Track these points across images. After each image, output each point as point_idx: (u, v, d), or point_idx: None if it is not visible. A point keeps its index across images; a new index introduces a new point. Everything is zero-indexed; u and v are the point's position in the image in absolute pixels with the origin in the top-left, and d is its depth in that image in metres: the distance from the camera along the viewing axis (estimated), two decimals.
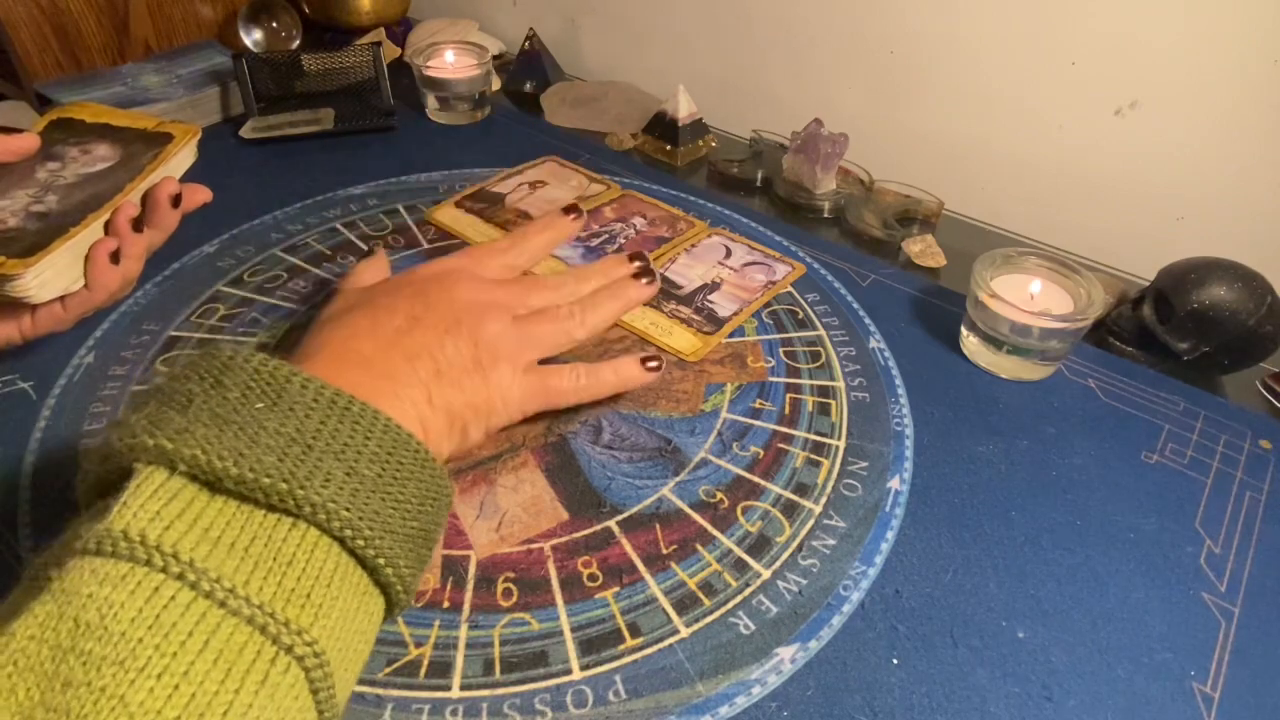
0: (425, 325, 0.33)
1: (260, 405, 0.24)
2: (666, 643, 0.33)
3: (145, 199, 0.40)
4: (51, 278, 0.37)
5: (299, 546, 0.22)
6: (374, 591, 0.24)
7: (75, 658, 0.18)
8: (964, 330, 0.49)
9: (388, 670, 0.31)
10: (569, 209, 0.42)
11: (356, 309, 0.34)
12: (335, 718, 0.22)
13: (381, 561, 0.24)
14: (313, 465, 0.23)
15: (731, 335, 0.49)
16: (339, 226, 0.57)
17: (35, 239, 0.37)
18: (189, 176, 0.43)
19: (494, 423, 0.35)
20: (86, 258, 0.38)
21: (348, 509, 0.23)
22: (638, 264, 0.42)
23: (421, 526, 0.26)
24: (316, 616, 0.21)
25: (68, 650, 0.18)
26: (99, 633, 0.18)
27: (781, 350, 0.48)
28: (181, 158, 0.43)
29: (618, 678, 0.32)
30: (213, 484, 0.22)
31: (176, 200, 0.41)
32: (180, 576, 0.20)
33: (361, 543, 0.23)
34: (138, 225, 0.40)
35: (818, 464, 0.41)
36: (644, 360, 0.40)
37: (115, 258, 0.39)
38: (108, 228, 0.39)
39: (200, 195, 0.42)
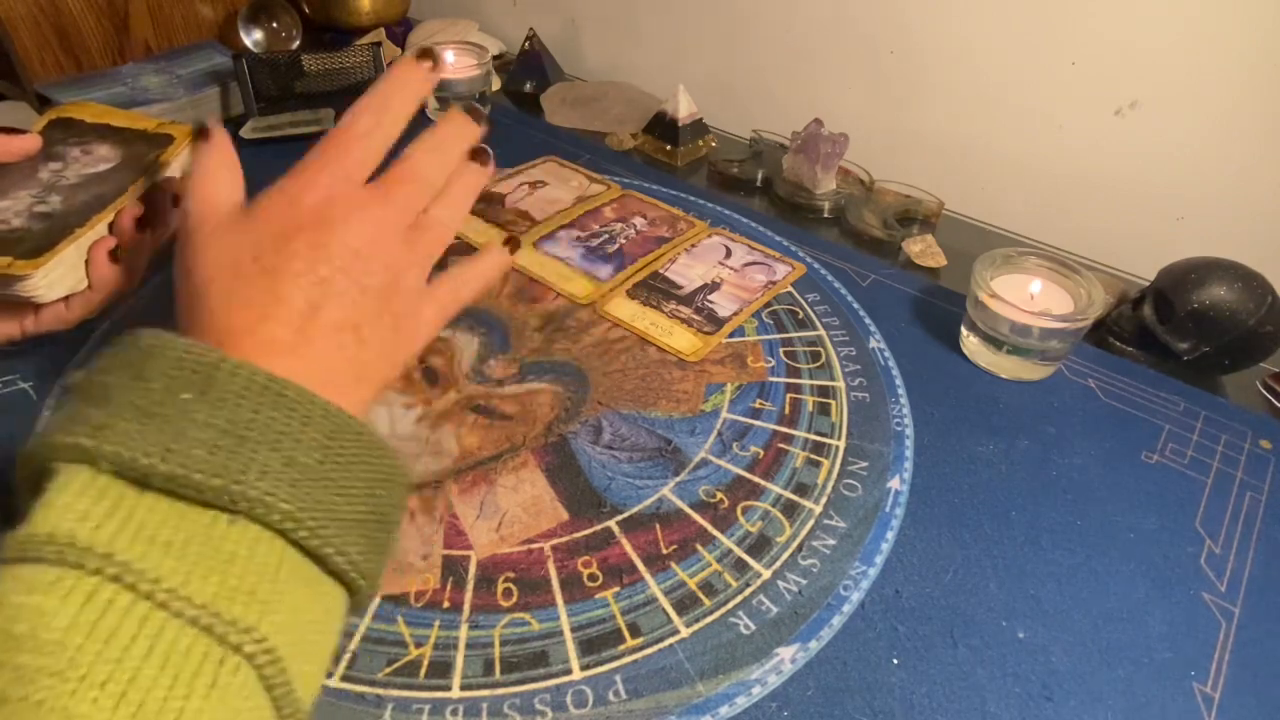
0: (337, 291, 0.28)
1: (187, 396, 0.22)
2: (667, 643, 0.33)
3: (147, 200, 0.40)
4: (59, 277, 0.37)
5: (239, 543, 0.21)
6: (327, 581, 0.24)
7: (10, 673, 0.17)
8: (964, 330, 0.49)
9: (388, 670, 0.31)
10: (422, 54, 0.34)
11: (246, 274, 0.28)
12: (300, 713, 0.21)
13: (329, 550, 0.23)
14: (247, 457, 0.22)
15: (731, 335, 0.49)
16: None
17: (41, 239, 0.37)
18: None
19: (407, 353, 0.31)
20: (88, 258, 0.38)
21: (286, 500, 0.22)
22: (472, 142, 0.35)
23: (373, 510, 0.25)
24: (264, 613, 0.20)
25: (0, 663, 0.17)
26: (30, 644, 0.17)
27: (781, 350, 0.48)
28: (183, 158, 0.43)
29: (618, 678, 0.32)
30: (141, 482, 0.21)
31: (177, 200, 0.41)
32: (117, 579, 0.19)
33: (305, 533, 0.22)
34: (140, 225, 0.40)
35: (818, 464, 0.41)
36: (505, 241, 0.36)
37: (115, 255, 0.39)
38: (111, 228, 0.39)
39: None
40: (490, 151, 0.36)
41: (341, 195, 0.30)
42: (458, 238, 0.56)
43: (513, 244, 0.37)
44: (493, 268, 0.36)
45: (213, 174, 0.31)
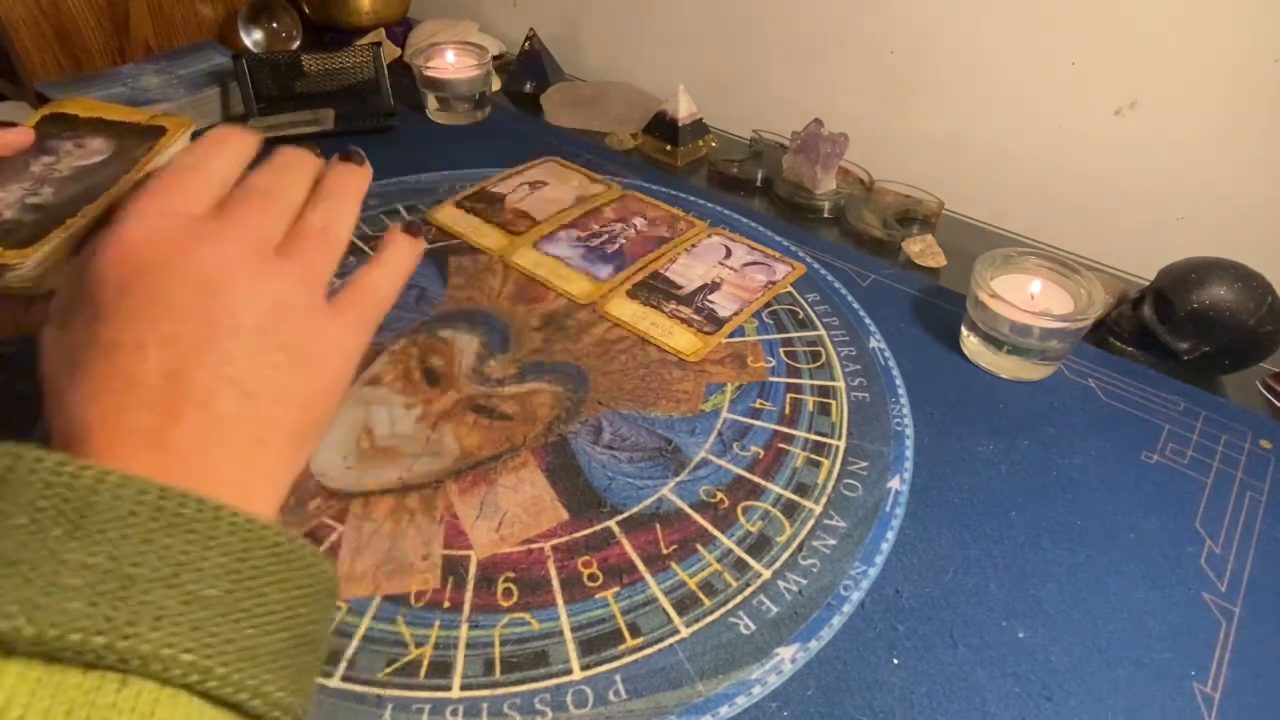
0: (194, 346, 0.23)
1: (58, 532, 0.18)
2: (667, 643, 0.33)
3: None
4: (52, 267, 0.37)
5: (133, 711, 0.17)
6: None
7: None
8: (964, 330, 0.49)
9: (388, 670, 0.31)
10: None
11: (85, 358, 0.23)
12: None
13: (245, 697, 0.19)
14: (136, 602, 0.18)
15: (732, 335, 0.49)
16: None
17: (33, 230, 0.37)
18: None
19: (335, 399, 0.26)
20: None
21: (189, 649, 0.18)
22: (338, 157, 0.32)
23: (295, 635, 0.21)
24: None
25: None
26: None
27: (782, 350, 0.48)
28: (175, 150, 0.43)
29: (618, 678, 0.32)
30: (6, 647, 0.17)
31: None
32: None
33: (215, 683, 0.18)
34: None
35: (818, 464, 0.41)
36: (407, 231, 0.32)
37: None
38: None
39: None
40: (361, 151, 0.31)
41: (175, 230, 0.25)
42: (458, 237, 0.56)
43: (413, 230, 0.32)
44: (404, 259, 0.31)
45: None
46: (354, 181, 0.31)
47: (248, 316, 0.24)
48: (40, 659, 0.17)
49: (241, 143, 0.29)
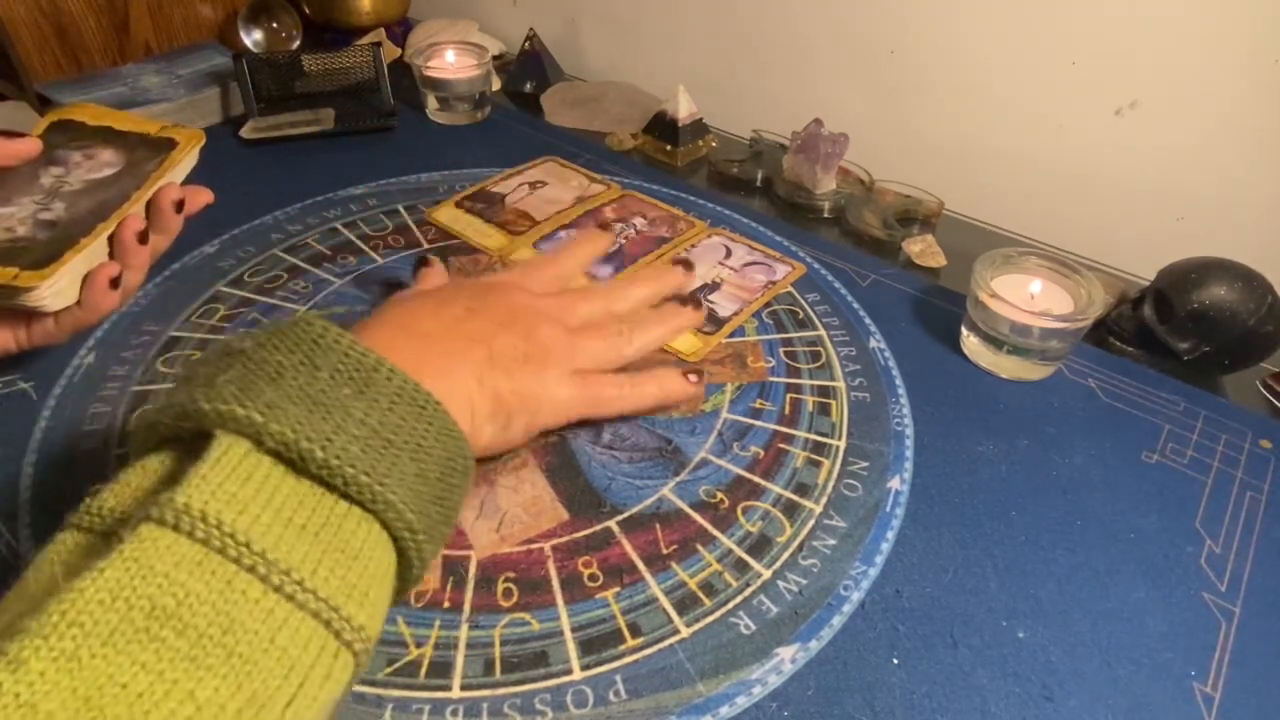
0: (482, 317, 0.34)
1: (347, 391, 0.24)
2: (667, 643, 0.33)
3: (149, 206, 0.40)
4: (65, 287, 0.37)
5: (365, 542, 0.22)
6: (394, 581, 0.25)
7: (150, 642, 0.18)
8: (964, 330, 0.49)
9: (388, 670, 0.31)
10: (602, 225, 0.46)
11: (418, 298, 0.35)
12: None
13: (418, 567, 0.24)
14: (391, 462, 0.23)
15: (732, 335, 0.49)
16: (339, 227, 0.57)
17: (47, 249, 0.37)
18: (191, 178, 0.43)
19: (538, 421, 0.35)
20: (85, 279, 0.38)
21: (414, 512, 0.23)
22: (684, 291, 0.44)
23: (451, 527, 0.27)
24: (373, 615, 0.22)
25: (141, 630, 0.18)
26: (175, 624, 0.19)
27: (782, 350, 0.48)
28: (185, 164, 0.43)
29: (618, 678, 0.32)
30: (296, 465, 0.22)
31: (180, 205, 0.41)
32: (252, 569, 0.20)
33: (413, 548, 0.24)
34: (143, 238, 0.39)
35: (818, 464, 0.41)
36: (686, 373, 0.40)
37: (115, 283, 0.38)
38: (113, 241, 0.39)
39: (202, 197, 0.42)
40: (701, 300, 0.43)
41: (509, 280, 0.39)
42: (458, 237, 0.56)
43: (697, 374, 0.41)
44: (653, 392, 0.39)
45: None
46: (677, 321, 0.42)
47: (526, 323, 0.35)
48: (314, 479, 0.22)
49: (595, 250, 0.45)
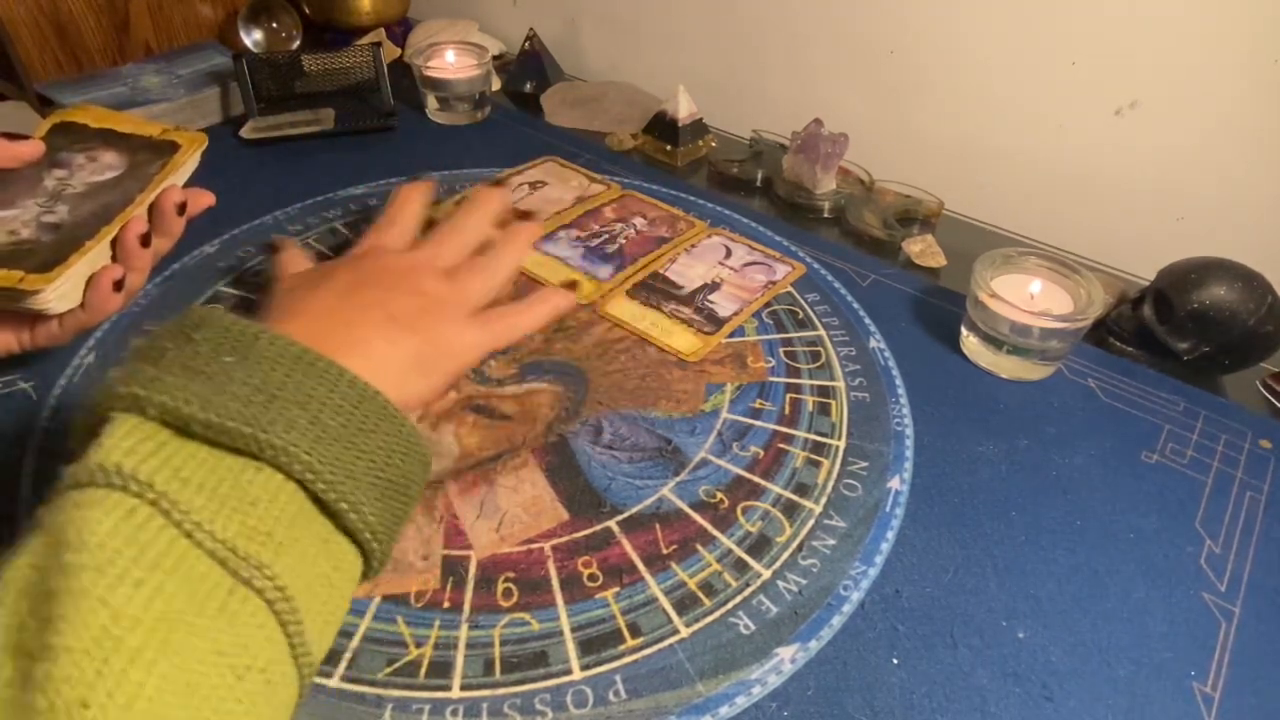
0: (367, 285, 0.34)
1: (229, 359, 0.25)
2: (667, 643, 0.33)
3: (151, 208, 0.40)
4: (69, 290, 0.37)
5: (263, 489, 0.23)
6: (340, 539, 0.25)
7: (57, 570, 0.20)
8: (964, 330, 0.49)
9: (388, 670, 0.31)
10: (496, 182, 0.44)
11: (298, 287, 0.35)
12: (311, 661, 0.23)
13: (344, 506, 0.24)
14: (276, 412, 0.24)
15: (731, 335, 0.49)
16: (339, 226, 0.57)
17: (51, 252, 0.37)
18: (191, 179, 0.43)
19: (454, 365, 0.34)
20: (89, 281, 0.38)
21: (308, 453, 0.24)
22: (512, 208, 0.43)
23: (391, 478, 0.26)
24: (278, 554, 0.22)
25: (50, 566, 0.20)
26: (76, 545, 0.20)
27: (781, 350, 0.48)
28: (188, 168, 0.43)
29: (618, 678, 0.32)
30: (183, 429, 0.23)
31: (182, 208, 0.41)
32: (154, 503, 0.21)
33: (322, 486, 0.24)
34: (146, 240, 0.39)
35: (818, 464, 0.41)
36: (563, 285, 0.41)
37: (119, 285, 0.38)
38: (115, 244, 0.39)
39: (204, 199, 0.42)
40: (538, 211, 0.43)
41: (370, 247, 0.38)
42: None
43: (571, 286, 0.41)
44: (544, 311, 0.39)
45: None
46: (525, 233, 0.41)
47: (410, 281, 0.35)
48: (205, 442, 0.23)
49: (422, 201, 0.42)
